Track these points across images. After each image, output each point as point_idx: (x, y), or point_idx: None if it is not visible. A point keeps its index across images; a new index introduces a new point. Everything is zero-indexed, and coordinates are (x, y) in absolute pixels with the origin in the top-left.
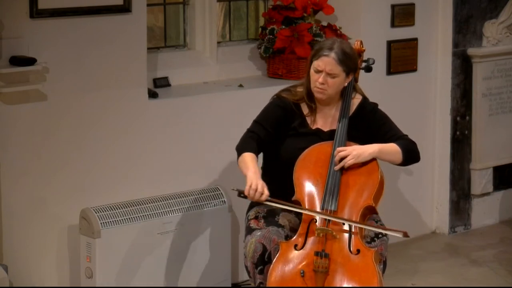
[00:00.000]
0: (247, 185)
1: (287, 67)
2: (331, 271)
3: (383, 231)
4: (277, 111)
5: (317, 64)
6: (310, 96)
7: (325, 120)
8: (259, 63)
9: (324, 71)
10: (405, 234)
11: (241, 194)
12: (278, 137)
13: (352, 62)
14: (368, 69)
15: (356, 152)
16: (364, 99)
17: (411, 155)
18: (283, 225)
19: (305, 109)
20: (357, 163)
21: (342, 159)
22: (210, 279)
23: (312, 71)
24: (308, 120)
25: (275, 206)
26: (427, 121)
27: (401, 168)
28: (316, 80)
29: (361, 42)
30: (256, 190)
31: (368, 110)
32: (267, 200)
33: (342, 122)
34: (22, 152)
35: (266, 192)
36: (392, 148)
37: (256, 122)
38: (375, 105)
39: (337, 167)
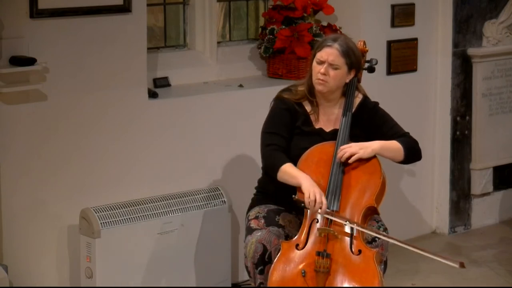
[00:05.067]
0: (305, 195)
1: (287, 67)
2: (332, 271)
3: (438, 258)
4: (285, 115)
5: (320, 55)
6: (311, 92)
7: (327, 118)
8: (259, 63)
9: (327, 62)
10: (462, 265)
11: (302, 203)
12: (291, 138)
13: (355, 57)
14: (371, 69)
15: (358, 148)
16: (365, 98)
17: (412, 152)
18: (283, 225)
19: (307, 107)
20: (359, 163)
21: (346, 158)
22: (210, 279)
23: (314, 63)
24: (312, 118)
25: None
26: (427, 121)
27: (401, 168)
28: (318, 71)
29: (364, 43)
30: (315, 200)
31: (369, 108)
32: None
33: (345, 121)
34: (22, 152)
35: (325, 201)
36: (393, 145)
37: (269, 133)
38: (376, 103)
39: (342, 160)
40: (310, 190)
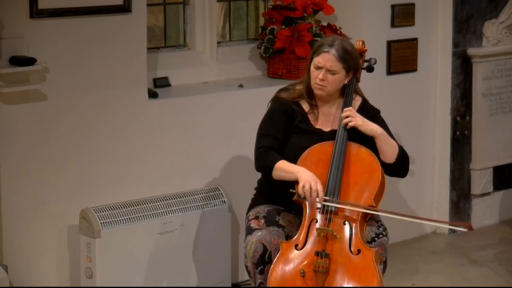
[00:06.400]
0: (300, 185)
1: (287, 67)
2: (332, 271)
3: (445, 226)
4: (280, 116)
5: (317, 60)
6: (309, 93)
7: (326, 118)
8: (259, 63)
9: (324, 68)
10: (470, 227)
11: (300, 196)
12: (288, 140)
13: (352, 59)
14: (370, 69)
15: (361, 118)
16: (364, 101)
17: (403, 161)
18: (283, 225)
19: (305, 106)
20: (358, 162)
21: (350, 126)
22: (210, 279)
23: (312, 67)
24: (310, 117)
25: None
26: (427, 121)
27: None
28: (316, 76)
29: (363, 42)
30: (310, 189)
31: (371, 114)
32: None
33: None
34: (22, 152)
35: (320, 188)
36: (392, 142)
37: (262, 135)
38: (378, 111)
39: (343, 123)
40: (306, 180)
